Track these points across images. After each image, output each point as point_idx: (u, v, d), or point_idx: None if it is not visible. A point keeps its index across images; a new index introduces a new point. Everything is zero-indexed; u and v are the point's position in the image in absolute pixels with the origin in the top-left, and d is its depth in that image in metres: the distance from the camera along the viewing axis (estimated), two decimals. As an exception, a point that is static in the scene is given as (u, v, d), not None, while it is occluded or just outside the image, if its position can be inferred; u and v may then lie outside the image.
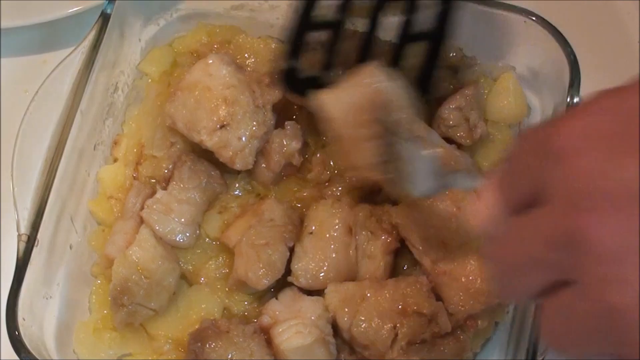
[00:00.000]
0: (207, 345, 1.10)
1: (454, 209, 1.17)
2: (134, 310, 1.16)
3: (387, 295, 1.14)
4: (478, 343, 1.19)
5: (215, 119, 1.23)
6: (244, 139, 1.23)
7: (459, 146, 1.28)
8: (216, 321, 1.14)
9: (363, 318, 1.13)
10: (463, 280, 1.13)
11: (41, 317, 1.16)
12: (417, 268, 1.21)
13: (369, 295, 1.14)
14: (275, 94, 1.27)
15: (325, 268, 1.18)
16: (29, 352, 1.06)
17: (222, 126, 1.22)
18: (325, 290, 1.17)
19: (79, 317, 1.21)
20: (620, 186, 0.62)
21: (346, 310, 1.14)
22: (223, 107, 1.23)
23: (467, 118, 1.26)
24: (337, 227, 1.20)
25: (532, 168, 0.71)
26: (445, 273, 1.15)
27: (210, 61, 1.26)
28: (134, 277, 1.16)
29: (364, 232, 1.20)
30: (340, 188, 1.28)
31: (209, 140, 1.23)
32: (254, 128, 1.23)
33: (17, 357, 1.06)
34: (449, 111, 1.26)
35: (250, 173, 1.28)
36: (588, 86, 1.24)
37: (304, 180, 1.31)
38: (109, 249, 1.21)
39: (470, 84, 1.29)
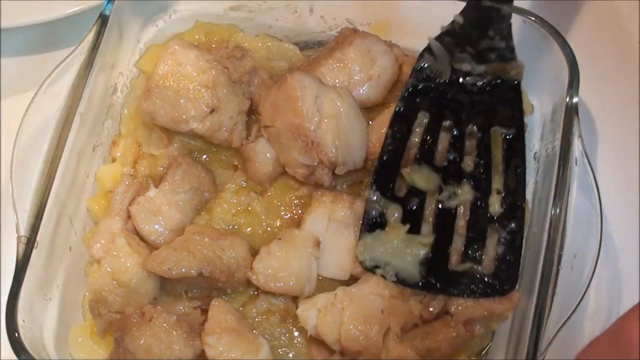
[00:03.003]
0: (128, 334, 1.11)
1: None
2: (110, 318, 1.16)
3: (370, 297, 1.16)
4: (474, 351, 1.20)
5: (203, 105, 1.24)
6: (234, 116, 1.26)
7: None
8: (142, 308, 1.14)
9: (349, 327, 1.13)
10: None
11: (41, 319, 1.16)
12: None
13: (346, 304, 1.15)
14: (246, 63, 1.29)
15: (284, 273, 1.19)
16: (29, 354, 1.06)
17: (213, 110, 1.24)
18: (298, 311, 1.17)
19: (79, 319, 1.22)
20: None
21: (330, 324, 1.15)
22: (206, 92, 1.25)
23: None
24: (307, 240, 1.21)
25: None
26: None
27: (172, 50, 1.27)
28: (108, 287, 1.17)
29: None
30: (344, 186, 1.29)
31: (202, 128, 1.25)
32: (239, 103, 1.26)
33: (16, 359, 1.07)
34: None
35: (246, 171, 1.29)
36: (587, 86, 1.24)
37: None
38: (94, 250, 1.21)
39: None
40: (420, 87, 1.25)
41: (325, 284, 1.22)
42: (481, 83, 1.23)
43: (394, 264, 1.17)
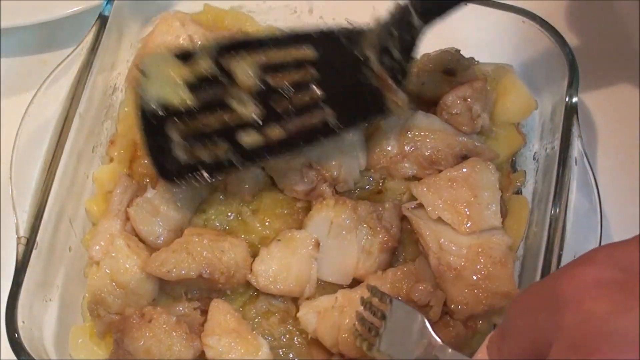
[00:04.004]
0: (128, 336, 1.11)
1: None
2: (110, 319, 1.16)
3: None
4: (476, 348, 1.19)
5: None
6: None
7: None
8: (142, 309, 1.14)
9: (346, 335, 1.13)
10: (474, 278, 1.13)
11: (41, 320, 1.16)
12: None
13: (345, 309, 1.14)
14: None
15: (284, 275, 1.19)
16: (29, 354, 1.06)
17: None
18: (299, 314, 1.17)
19: (78, 320, 1.22)
20: (623, 332, 0.64)
21: (329, 328, 1.14)
22: None
23: (470, 108, 1.27)
24: (307, 241, 1.20)
25: (534, 323, 0.73)
26: (455, 270, 1.14)
27: (173, 23, 1.27)
28: (107, 288, 1.16)
29: (364, 225, 1.21)
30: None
31: None
32: None
33: (16, 359, 1.07)
34: (453, 99, 1.27)
35: (224, 190, 1.26)
36: (587, 86, 1.24)
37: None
38: (93, 251, 1.20)
39: (480, 78, 1.29)
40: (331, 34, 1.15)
41: (327, 285, 1.21)
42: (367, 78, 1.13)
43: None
